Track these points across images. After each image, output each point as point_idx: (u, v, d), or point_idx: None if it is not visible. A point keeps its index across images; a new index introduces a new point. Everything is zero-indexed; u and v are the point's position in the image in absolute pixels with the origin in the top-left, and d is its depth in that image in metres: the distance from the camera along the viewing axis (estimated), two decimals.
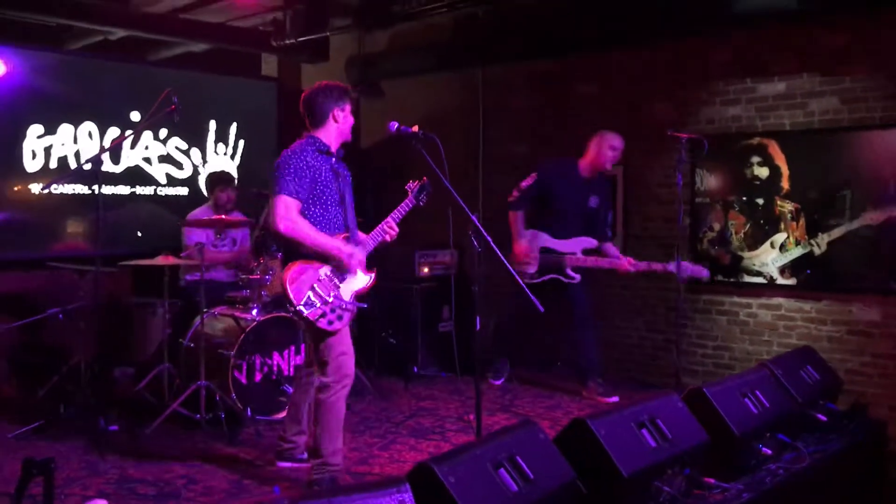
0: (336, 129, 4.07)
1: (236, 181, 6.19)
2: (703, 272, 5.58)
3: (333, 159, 4.06)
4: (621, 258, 5.76)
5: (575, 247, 5.79)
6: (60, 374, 5.37)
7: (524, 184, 5.79)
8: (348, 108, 4.09)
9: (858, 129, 5.44)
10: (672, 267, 5.43)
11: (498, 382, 6.13)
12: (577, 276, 5.76)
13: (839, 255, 5.54)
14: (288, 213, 3.85)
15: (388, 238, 4.13)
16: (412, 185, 4.21)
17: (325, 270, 3.91)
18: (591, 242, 5.81)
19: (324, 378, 3.91)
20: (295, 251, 3.93)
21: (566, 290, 5.78)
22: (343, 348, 3.93)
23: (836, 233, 5.55)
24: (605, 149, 5.70)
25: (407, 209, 4.15)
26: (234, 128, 7.10)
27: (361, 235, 4.19)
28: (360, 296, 4.04)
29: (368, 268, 4.10)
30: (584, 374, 5.89)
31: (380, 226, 4.12)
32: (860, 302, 5.47)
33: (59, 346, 5.83)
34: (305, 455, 4.25)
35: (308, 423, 4.22)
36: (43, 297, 5.97)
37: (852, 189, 5.47)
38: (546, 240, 5.80)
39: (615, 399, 5.64)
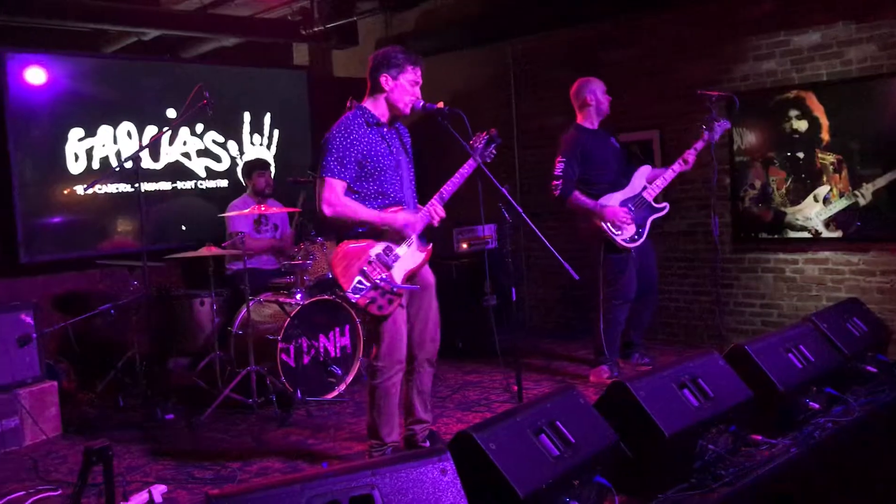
0: (385, 98, 3.85)
1: (273, 168, 6.28)
2: (725, 124, 5.28)
3: (385, 129, 3.87)
4: (672, 164, 5.35)
5: (640, 181, 5.40)
6: (117, 368, 5.54)
7: (558, 171, 5.31)
8: (403, 76, 3.81)
9: None
10: (706, 136, 5.21)
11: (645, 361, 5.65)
12: (667, 204, 5.43)
13: (885, 204, 5.42)
14: (332, 197, 3.72)
15: (434, 222, 3.90)
16: (477, 139, 3.96)
17: (375, 250, 3.78)
18: (647, 169, 5.47)
19: (375, 362, 3.84)
20: (345, 231, 3.81)
21: (642, 253, 5.43)
22: (394, 334, 3.81)
23: (881, 181, 5.43)
24: (599, 95, 5.41)
25: (471, 169, 3.90)
26: (268, 118, 7.19)
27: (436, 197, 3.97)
28: (412, 276, 3.89)
29: (425, 243, 3.98)
30: (631, 346, 5.66)
31: (444, 185, 3.91)
32: None
33: (115, 341, 6.02)
34: (427, 443, 4.10)
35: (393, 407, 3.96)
36: (95, 294, 6.17)
37: (895, 135, 5.34)
38: (616, 196, 5.34)
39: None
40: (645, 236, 5.35)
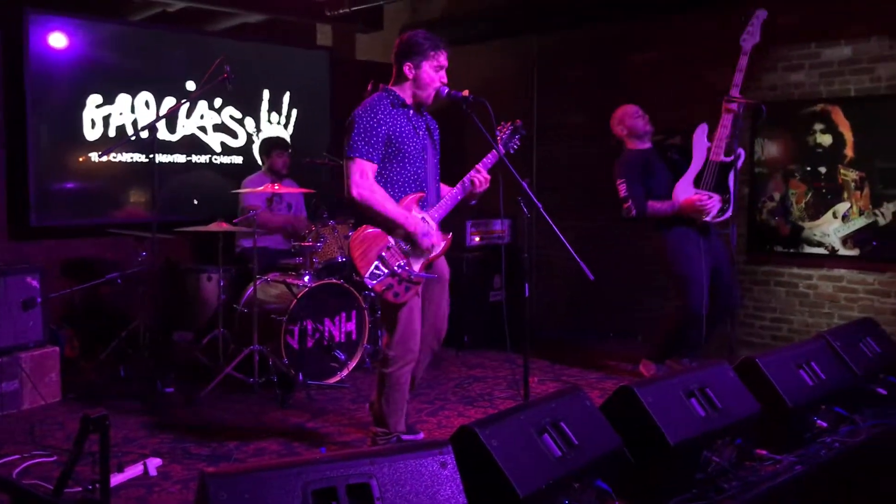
0: (410, 85, 3.79)
1: (290, 149, 6.23)
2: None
3: (411, 111, 3.81)
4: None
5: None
6: (120, 338, 5.52)
7: (624, 193, 5.25)
8: (426, 62, 3.74)
9: None
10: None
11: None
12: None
13: None
14: (363, 180, 3.63)
15: (478, 189, 3.82)
16: (502, 129, 3.90)
17: (395, 236, 3.72)
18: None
19: (388, 351, 3.78)
20: (367, 216, 3.72)
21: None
22: (410, 323, 3.76)
23: None
24: (636, 120, 5.36)
25: (494, 159, 3.83)
26: (287, 97, 7.14)
27: (444, 189, 3.95)
28: (430, 264, 3.86)
29: (444, 231, 3.91)
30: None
31: (463, 179, 3.83)
32: None
33: (120, 311, 5.99)
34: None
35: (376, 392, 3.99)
36: (104, 262, 6.13)
37: None
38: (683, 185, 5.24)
39: None
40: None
